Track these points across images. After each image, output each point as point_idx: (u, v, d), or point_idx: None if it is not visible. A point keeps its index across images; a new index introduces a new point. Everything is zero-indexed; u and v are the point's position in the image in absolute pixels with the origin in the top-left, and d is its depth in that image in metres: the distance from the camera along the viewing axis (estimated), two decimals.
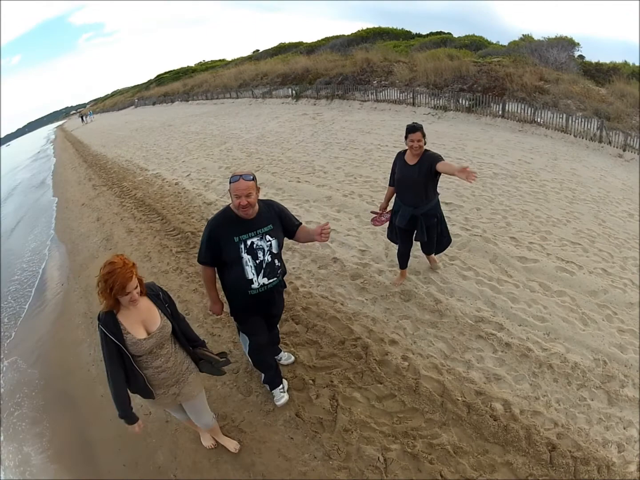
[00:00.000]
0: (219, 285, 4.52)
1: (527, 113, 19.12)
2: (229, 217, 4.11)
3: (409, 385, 5.23)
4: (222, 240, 4.08)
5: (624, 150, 16.38)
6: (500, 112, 19.77)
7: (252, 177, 3.94)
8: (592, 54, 51.99)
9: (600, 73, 24.36)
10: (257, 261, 4.14)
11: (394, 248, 7.51)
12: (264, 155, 16.68)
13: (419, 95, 23.05)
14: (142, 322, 3.43)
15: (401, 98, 24.04)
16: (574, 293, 6.80)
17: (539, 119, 18.67)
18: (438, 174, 5.72)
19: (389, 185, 6.53)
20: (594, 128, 17.33)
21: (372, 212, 7.06)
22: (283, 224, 4.37)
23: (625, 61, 26.19)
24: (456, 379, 5.29)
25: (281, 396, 5.06)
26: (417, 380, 5.26)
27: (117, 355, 3.34)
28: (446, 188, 10.62)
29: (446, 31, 38.55)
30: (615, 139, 16.83)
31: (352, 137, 18.13)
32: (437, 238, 6.50)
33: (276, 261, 4.29)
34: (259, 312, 4.52)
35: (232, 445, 4.62)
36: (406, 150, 5.96)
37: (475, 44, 31.15)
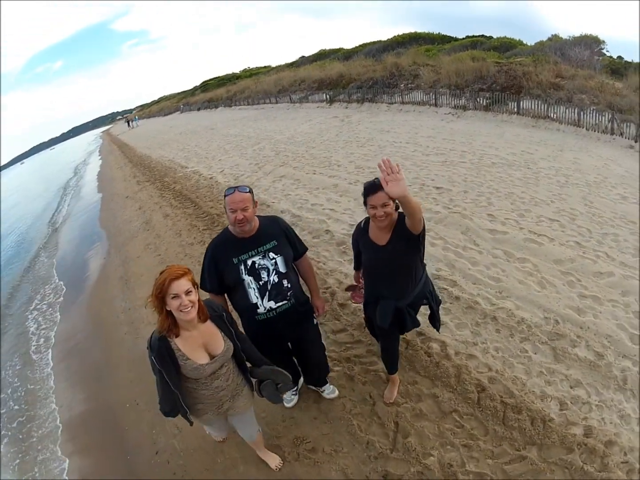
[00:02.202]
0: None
1: (541, 109, 19.01)
2: (227, 238, 3.76)
3: (359, 323, 5.89)
4: (221, 263, 3.70)
5: (636, 142, 16.11)
6: (515, 109, 19.74)
7: (248, 190, 3.60)
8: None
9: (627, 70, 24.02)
10: (261, 282, 3.71)
11: None
12: (290, 153, 17.47)
13: (441, 97, 23.21)
14: (203, 345, 3.09)
15: (425, 99, 24.23)
16: (537, 261, 7.00)
17: (552, 114, 18.56)
18: (421, 236, 3.61)
19: (354, 268, 4.70)
20: (605, 121, 17.15)
21: (346, 289, 5.22)
22: (290, 241, 3.93)
23: None
24: None
25: (291, 398, 4.87)
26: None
27: (166, 382, 3.02)
28: (441, 175, 11.11)
29: (487, 34, 38.28)
30: (627, 130, 16.58)
31: (371, 135, 18.62)
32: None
33: (285, 282, 3.80)
34: (275, 342, 4.04)
35: (274, 461, 4.25)
36: (368, 219, 3.87)
37: (505, 46, 30.98)
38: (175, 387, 3.03)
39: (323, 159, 15.42)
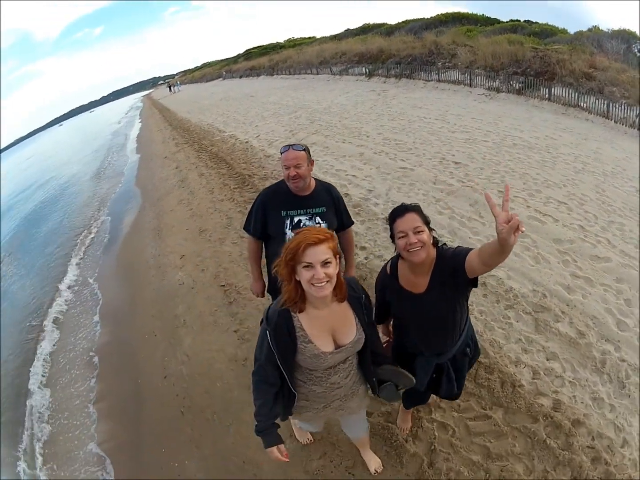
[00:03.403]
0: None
1: (572, 97, 18.78)
2: (281, 189, 3.76)
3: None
4: (269, 212, 3.72)
5: None
6: (547, 95, 19.50)
7: (302, 148, 3.59)
8: None
9: None
10: None
11: (395, 189, 8.87)
12: (323, 122, 17.78)
13: (476, 77, 22.98)
14: (331, 330, 2.51)
15: (460, 79, 24.02)
16: (537, 237, 7.16)
17: (582, 104, 18.30)
18: (472, 281, 2.72)
19: (377, 322, 3.33)
20: (633, 115, 16.88)
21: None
22: (337, 212, 3.90)
23: None
24: None
25: None
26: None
27: (275, 366, 2.51)
28: (462, 151, 11.44)
29: (533, 19, 37.49)
30: None
31: (403, 110, 18.72)
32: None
33: None
34: None
35: (374, 464, 3.84)
36: (396, 260, 3.00)
37: (546, 32, 30.40)
38: (287, 374, 2.53)
39: (354, 129, 15.68)
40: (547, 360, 4.86)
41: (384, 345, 3.34)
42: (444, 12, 41.10)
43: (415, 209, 2.74)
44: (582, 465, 3.79)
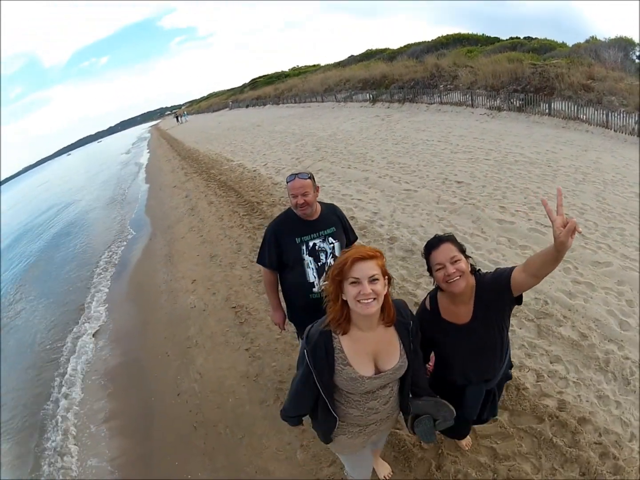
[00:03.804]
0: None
1: (572, 110, 19.03)
2: (290, 217, 3.82)
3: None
4: (283, 241, 3.75)
5: None
6: (547, 111, 19.80)
7: (308, 176, 3.68)
8: None
9: None
10: (319, 264, 3.76)
11: (399, 210, 9.29)
12: (329, 149, 18.21)
13: (477, 97, 23.46)
14: (373, 353, 2.44)
15: (462, 100, 24.51)
16: (538, 248, 7.29)
17: (582, 116, 18.56)
18: (517, 299, 2.74)
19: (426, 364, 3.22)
20: (632, 122, 17.07)
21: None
22: (345, 229, 4.03)
23: None
24: (404, 293, 6.66)
25: None
26: None
27: (313, 386, 2.47)
28: (464, 171, 11.88)
29: (533, 35, 37.78)
30: None
31: (407, 134, 19.16)
32: None
33: None
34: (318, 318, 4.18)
35: (384, 470, 3.91)
36: (435, 293, 2.96)
37: (544, 47, 30.68)
38: (326, 393, 2.47)
39: (359, 154, 16.10)
40: (551, 363, 4.98)
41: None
42: (445, 34, 41.67)
43: (450, 238, 2.72)
44: (590, 461, 3.89)
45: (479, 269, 2.85)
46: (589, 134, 17.53)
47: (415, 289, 6.68)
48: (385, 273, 2.31)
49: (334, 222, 3.91)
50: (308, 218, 3.76)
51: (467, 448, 4.00)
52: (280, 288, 4.13)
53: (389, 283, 2.36)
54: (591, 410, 4.38)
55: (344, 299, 2.29)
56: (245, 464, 4.44)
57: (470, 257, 2.75)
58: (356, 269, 2.20)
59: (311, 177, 3.70)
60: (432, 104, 26.40)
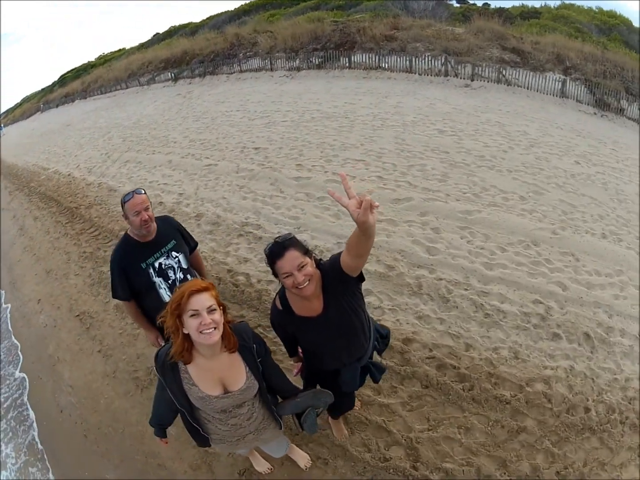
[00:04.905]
0: None
1: (373, 61, 19.95)
2: (130, 244, 3.73)
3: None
4: (130, 270, 3.68)
5: (472, 80, 17.66)
6: (347, 64, 20.62)
7: (143, 191, 3.65)
8: None
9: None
10: (170, 281, 3.78)
11: (202, 187, 9.66)
12: (134, 138, 17.61)
13: (276, 61, 23.88)
14: (219, 379, 2.60)
15: (261, 65, 24.85)
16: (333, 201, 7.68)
17: (384, 65, 19.58)
18: (358, 278, 2.82)
19: (290, 355, 3.57)
20: (439, 65, 18.37)
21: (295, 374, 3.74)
22: (184, 238, 4.04)
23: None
24: (216, 263, 6.73)
25: None
26: None
27: (170, 400, 2.65)
28: (261, 136, 12.24)
29: None
30: (463, 71, 18.00)
31: (207, 108, 19.21)
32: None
33: (188, 276, 3.90)
34: None
35: (303, 460, 4.02)
36: (283, 292, 2.91)
37: (350, 4, 31.43)
38: (181, 406, 2.63)
39: (162, 138, 15.85)
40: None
41: (298, 370, 3.54)
42: (247, 1, 41.72)
43: (292, 243, 2.63)
44: (429, 374, 4.25)
45: (321, 259, 2.87)
46: (391, 81, 18.54)
47: (226, 257, 6.98)
48: (220, 303, 2.46)
49: (172, 234, 3.90)
50: (147, 239, 3.70)
51: (357, 409, 4.19)
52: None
53: (225, 312, 2.51)
54: (414, 330, 4.75)
55: (185, 332, 2.39)
56: (134, 453, 4.63)
57: (313, 252, 2.73)
58: (193, 302, 2.33)
59: (145, 192, 3.65)
60: (232, 73, 26.55)
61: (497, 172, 8.70)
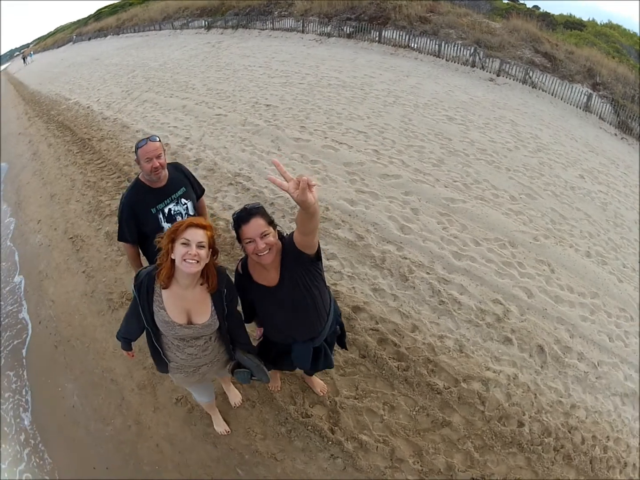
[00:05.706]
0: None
1: (403, 39, 19.98)
2: (141, 188, 3.80)
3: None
4: (140, 214, 3.76)
5: (498, 75, 17.60)
6: (377, 38, 20.66)
7: (158, 139, 3.67)
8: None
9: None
10: None
11: (208, 134, 10.04)
12: (156, 79, 17.96)
13: (309, 24, 24.00)
14: (186, 310, 2.85)
15: (294, 26, 25.03)
16: (328, 162, 8.19)
17: (413, 45, 19.58)
18: (318, 255, 3.01)
19: (246, 321, 3.39)
20: (467, 54, 18.33)
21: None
22: (192, 185, 4.13)
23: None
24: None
25: None
26: None
27: (139, 317, 2.90)
28: (275, 95, 12.62)
29: None
30: (490, 65, 17.93)
31: (232, 60, 19.51)
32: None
33: None
34: None
35: (235, 398, 4.32)
36: (246, 259, 3.12)
37: None
38: (148, 324, 2.91)
39: (182, 83, 16.16)
40: (327, 259, 5.57)
41: (260, 334, 3.56)
42: None
43: (259, 211, 2.82)
44: (368, 345, 4.44)
45: (285, 234, 3.03)
46: (417, 62, 18.61)
47: (212, 202, 7.34)
48: (212, 245, 2.73)
49: (183, 181, 3.99)
50: (158, 185, 3.79)
51: (322, 394, 4.30)
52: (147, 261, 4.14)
53: (215, 254, 2.80)
54: (366, 300, 4.95)
55: (173, 258, 2.65)
56: (94, 367, 5.06)
57: (278, 225, 2.93)
58: (188, 232, 2.60)
59: (159, 140, 3.71)
60: (264, 29, 26.74)
61: (495, 167, 8.80)
